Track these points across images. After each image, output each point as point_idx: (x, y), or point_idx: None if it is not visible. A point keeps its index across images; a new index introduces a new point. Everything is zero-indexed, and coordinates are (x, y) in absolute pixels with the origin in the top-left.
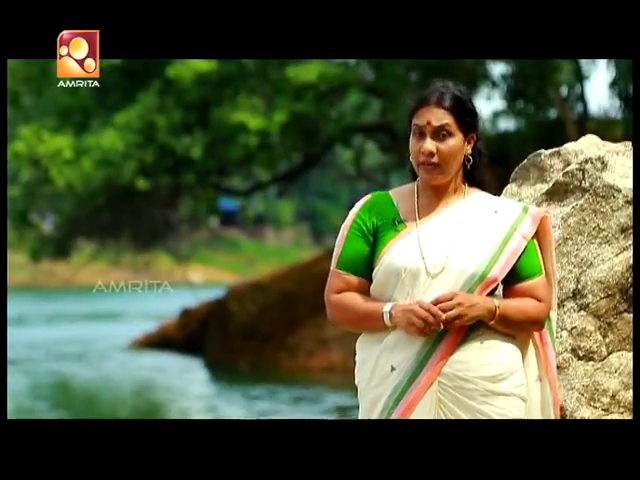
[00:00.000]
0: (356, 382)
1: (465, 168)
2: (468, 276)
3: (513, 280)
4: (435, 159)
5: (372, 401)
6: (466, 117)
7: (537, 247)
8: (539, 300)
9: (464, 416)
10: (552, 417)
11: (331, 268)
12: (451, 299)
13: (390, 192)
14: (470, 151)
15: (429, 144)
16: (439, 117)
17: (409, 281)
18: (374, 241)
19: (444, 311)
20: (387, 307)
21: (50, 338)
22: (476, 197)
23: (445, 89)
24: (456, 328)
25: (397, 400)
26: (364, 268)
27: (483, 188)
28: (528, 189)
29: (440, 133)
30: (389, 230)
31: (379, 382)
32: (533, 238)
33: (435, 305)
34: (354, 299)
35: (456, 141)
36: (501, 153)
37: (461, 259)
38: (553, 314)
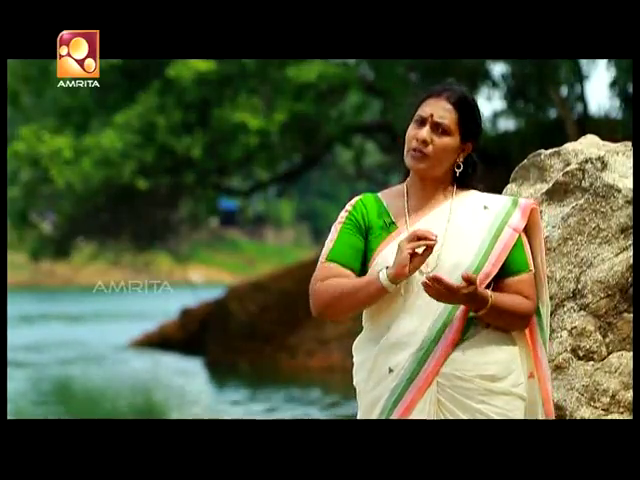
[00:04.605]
0: (354, 383)
1: (455, 175)
2: (461, 273)
3: (501, 275)
4: (428, 149)
5: (371, 403)
6: (469, 122)
7: (526, 243)
8: (525, 297)
9: (463, 416)
10: (539, 416)
11: (319, 263)
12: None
13: (379, 194)
14: (461, 159)
15: (426, 132)
16: (443, 112)
17: (402, 281)
18: (367, 242)
19: (466, 280)
20: (382, 270)
21: (50, 338)
22: (465, 195)
23: (457, 87)
24: (453, 329)
25: (396, 402)
26: (353, 260)
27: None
28: (528, 189)
29: (439, 128)
30: (381, 232)
31: (377, 384)
32: (523, 231)
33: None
34: (341, 279)
35: (452, 141)
36: (501, 153)
37: (453, 256)
38: (544, 310)
